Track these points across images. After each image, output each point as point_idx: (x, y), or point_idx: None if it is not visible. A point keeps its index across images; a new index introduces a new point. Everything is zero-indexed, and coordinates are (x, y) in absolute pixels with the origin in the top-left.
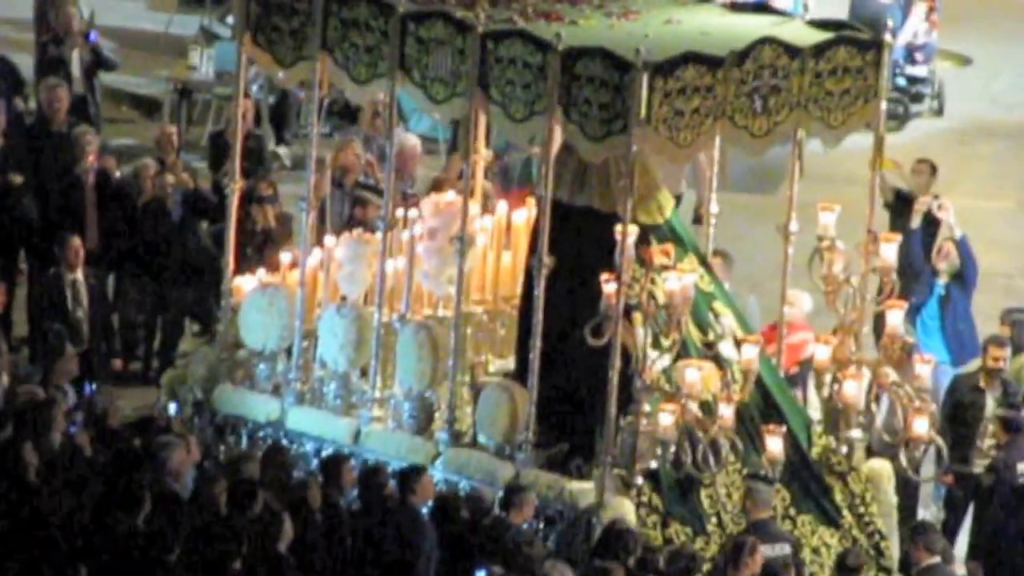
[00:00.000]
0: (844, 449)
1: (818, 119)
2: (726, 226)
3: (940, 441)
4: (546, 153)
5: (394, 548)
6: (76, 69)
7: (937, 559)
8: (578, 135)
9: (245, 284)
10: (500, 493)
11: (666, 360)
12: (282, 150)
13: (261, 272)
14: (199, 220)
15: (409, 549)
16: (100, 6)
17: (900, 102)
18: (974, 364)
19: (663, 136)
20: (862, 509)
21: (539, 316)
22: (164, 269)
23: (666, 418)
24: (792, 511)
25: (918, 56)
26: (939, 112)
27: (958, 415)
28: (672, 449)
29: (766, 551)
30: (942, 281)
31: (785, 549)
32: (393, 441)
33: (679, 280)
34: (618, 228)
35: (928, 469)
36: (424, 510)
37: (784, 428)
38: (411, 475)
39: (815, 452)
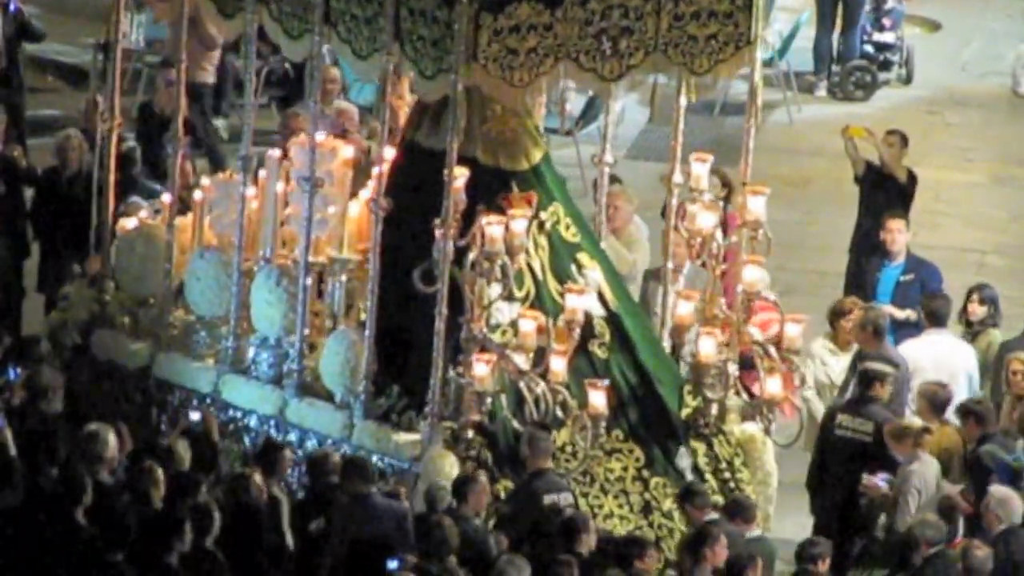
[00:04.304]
0: (714, 410)
1: (680, 64)
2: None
3: (799, 403)
4: (387, 89)
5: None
6: None
7: (713, 514)
8: (414, 72)
9: (128, 224)
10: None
11: (516, 310)
12: (219, 122)
13: (143, 214)
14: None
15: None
16: None
17: (867, 70)
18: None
19: (495, 75)
20: (728, 474)
21: (376, 262)
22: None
23: (481, 368)
24: (645, 473)
25: (886, 22)
26: (908, 80)
27: None
28: (489, 401)
29: (552, 499)
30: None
31: (568, 499)
32: (246, 390)
33: (501, 226)
34: (462, 172)
35: None
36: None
37: (607, 383)
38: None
39: (685, 413)
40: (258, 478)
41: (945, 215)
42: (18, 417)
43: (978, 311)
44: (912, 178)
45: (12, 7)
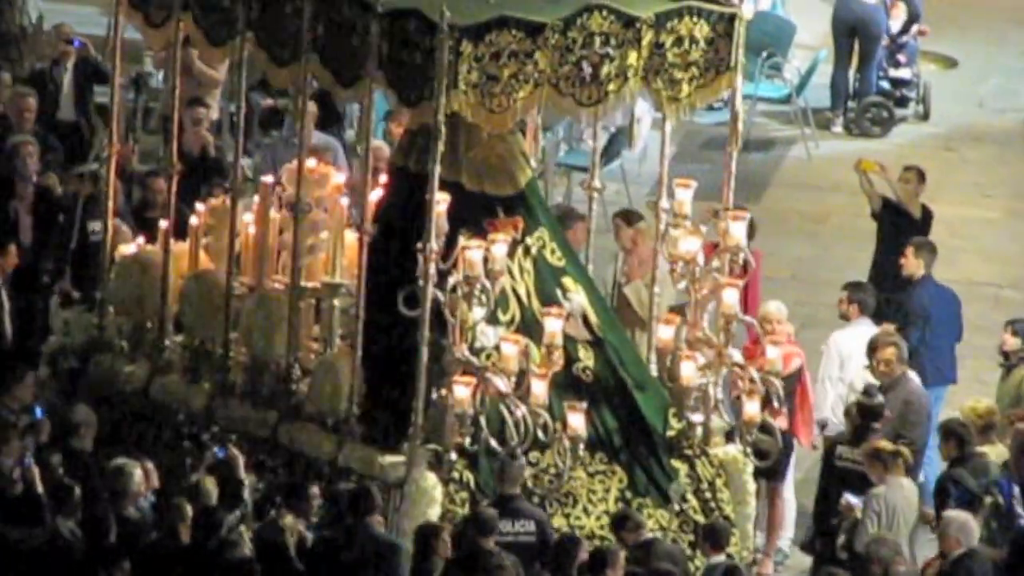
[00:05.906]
0: (699, 432)
1: (658, 90)
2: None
3: (773, 424)
4: (367, 117)
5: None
6: (67, 87)
7: (648, 534)
8: (397, 100)
9: (126, 250)
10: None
11: (501, 334)
12: (244, 160)
13: (140, 240)
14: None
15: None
16: (48, 11)
17: (884, 106)
18: None
19: (474, 101)
20: (709, 495)
21: (361, 285)
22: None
23: (462, 391)
24: (628, 494)
25: (902, 58)
26: (924, 116)
27: None
28: (470, 423)
29: (505, 526)
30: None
31: (528, 527)
32: (238, 412)
33: (480, 250)
34: (445, 196)
35: None
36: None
37: (585, 405)
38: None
39: (670, 436)
40: (291, 521)
41: (961, 250)
42: (47, 454)
43: (1011, 343)
44: (927, 214)
45: (76, 43)
